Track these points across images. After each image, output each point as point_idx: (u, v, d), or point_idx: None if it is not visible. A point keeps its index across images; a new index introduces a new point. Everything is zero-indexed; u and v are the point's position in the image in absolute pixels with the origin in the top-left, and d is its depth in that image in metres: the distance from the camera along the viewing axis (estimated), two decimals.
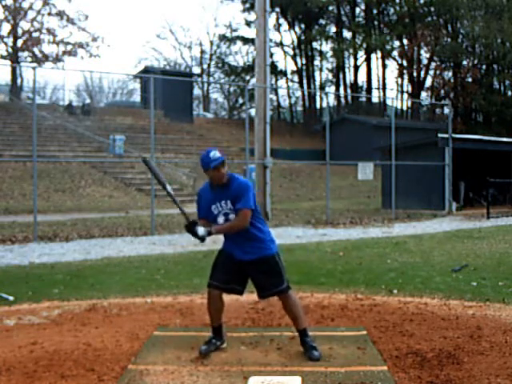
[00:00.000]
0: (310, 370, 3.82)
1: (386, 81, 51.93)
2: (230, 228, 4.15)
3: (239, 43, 51.11)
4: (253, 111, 26.43)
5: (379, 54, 46.45)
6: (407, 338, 4.57)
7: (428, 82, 45.70)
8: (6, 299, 6.10)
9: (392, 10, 45.81)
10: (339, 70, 48.20)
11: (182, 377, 3.73)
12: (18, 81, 39.80)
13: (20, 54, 35.98)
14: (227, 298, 5.83)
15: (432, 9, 42.66)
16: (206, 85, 53.96)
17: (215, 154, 4.07)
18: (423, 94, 46.25)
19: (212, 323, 4.34)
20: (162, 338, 4.59)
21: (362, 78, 55.98)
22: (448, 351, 4.18)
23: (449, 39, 42.42)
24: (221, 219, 4.18)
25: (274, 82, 47.13)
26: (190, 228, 4.05)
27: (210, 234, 4.06)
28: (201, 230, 4.04)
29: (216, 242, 11.96)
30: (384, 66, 48.31)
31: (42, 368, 3.89)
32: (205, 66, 53.62)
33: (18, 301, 6.06)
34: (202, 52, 54.05)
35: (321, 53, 48.70)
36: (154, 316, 5.34)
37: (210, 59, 53.16)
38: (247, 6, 46.61)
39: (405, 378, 3.71)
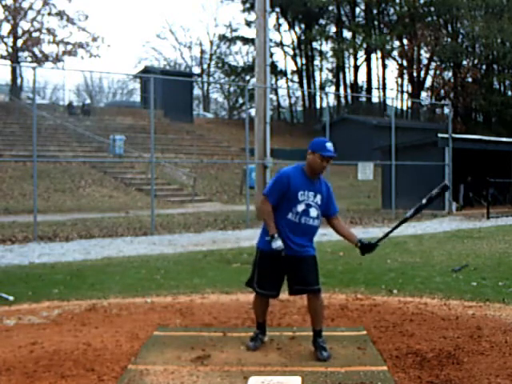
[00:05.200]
0: (310, 370, 3.82)
1: (386, 81, 52.01)
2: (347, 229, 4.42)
3: (239, 43, 51.22)
4: (253, 111, 26.40)
5: (379, 54, 46.48)
6: (407, 337, 4.57)
7: (428, 82, 45.78)
8: (6, 299, 6.10)
9: (392, 10, 45.81)
10: (339, 70, 48.21)
11: (182, 377, 3.73)
12: (18, 81, 39.85)
13: (20, 53, 36.03)
14: (227, 298, 5.83)
15: (432, 9, 42.65)
16: (206, 85, 54.01)
17: (331, 146, 4.16)
18: (423, 94, 46.28)
19: (258, 320, 4.44)
20: (162, 338, 4.59)
21: (362, 78, 56.12)
22: (448, 351, 4.18)
23: (449, 39, 42.42)
24: (300, 208, 4.16)
25: (274, 81, 47.14)
26: (273, 240, 4.11)
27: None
28: (277, 243, 4.09)
29: (216, 242, 11.92)
30: (384, 66, 48.37)
31: (41, 368, 3.89)
32: (205, 66, 53.68)
33: (17, 301, 6.05)
34: (202, 52, 54.15)
35: (321, 53, 48.74)
36: (153, 316, 5.34)
37: (210, 59, 53.20)
38: (247, 5, 46.64)
39: (405, 378, 3.71)
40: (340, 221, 4.38)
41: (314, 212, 4.18)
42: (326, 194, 4.25)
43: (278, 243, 4.06)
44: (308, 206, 4.16)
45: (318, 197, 4.20)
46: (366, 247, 4.26)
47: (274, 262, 4.15)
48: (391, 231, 4.35)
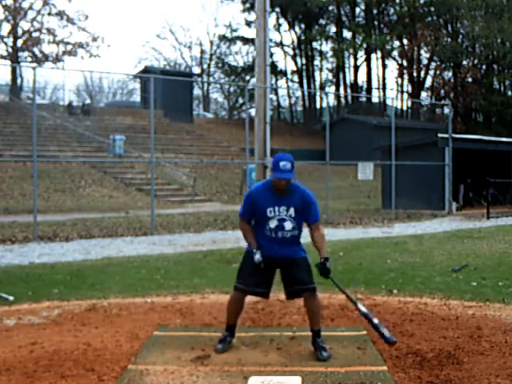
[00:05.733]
0: (310, 370, 3.83)
1: (386, 81, 51.98)
2: (324, 243, 4.32)
3: (239, 43, 51.17)
4: (253, 111, 26.39)
5: (379, 53, 46.45)
6: (407, 337, 4.57)
7: (428, 82, 45.75)
8: (6, 299, 6.10)
9: (392, 10, 45.79)
10: (339, 69, 48.19)
11: (182, 377, 3.73)
12: (18, 81, 39.83)
13: (20, 53, 36.02)
14: (227, 298, 5.81)
15: (432, 9, 42.63)
16: (206, 85, 53.98)
17: (286, 165, 4.07)
18: (423, 94, 46.26)
19: (229, 322, 4.40)
20: (162, 338, 4.59)
21: (362, 78, 56.00)
22: (448, 351, 4.18)
23: (449, 39, 42.40)
24: (273, 224, 4.19)
25: (274, 81, 47.12)
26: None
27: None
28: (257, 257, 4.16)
29: (216, 242, 11.94)
30: (384, 66, 48.35)
31: (41, 368, 3.89)
32: (205, 66, 53.65)
33: (17, 301, 6.05)
34: (202, 52, 54.11)
35: (321, 53, 48.71)
36: (153, 316, 5.34)
37: (210, 59, 53.18)
38: (247, 5, 46.61)
39: (405, 378, 3.71)
40: (319, 230, 4.29)
41: (288, 225, 4.20)
42: (301, 205, 4.19)
43: (256, 257, 4.15)
44: (281, 220, 4.19)
45: (292, 210, 4.18)
46: (323, 269, 4.23)
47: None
48: (342, 291, 4.39)
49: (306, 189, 4.27)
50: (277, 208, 4.17)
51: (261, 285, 4.27)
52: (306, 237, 4.34)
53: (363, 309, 4.23)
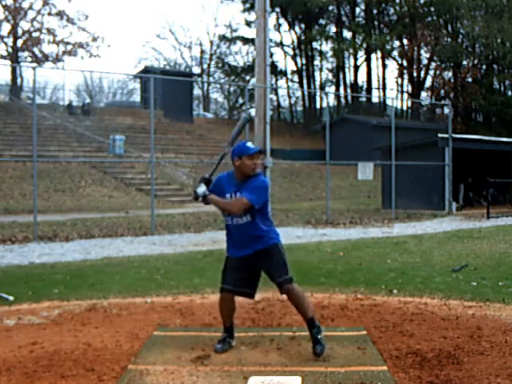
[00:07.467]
0: (309, 370, 3.82)
1: (386, 81, 51.97)
2: (224, 204, 4.13)
3: (239, 43, 51.17)
4: (253, 111, 26.40)
5: (379, 54, 46.44)
6: (407, 337, 4.56)
7: (428, 82, 45.73)
8: (6, 299, 6.10)
9: (392, 10, 45.79)
10: (339, 70, 48.17)
11: (182, 377, 3.73)
12: (18, 81, 39.81)
13: (20, 53, 36.01)
14: None
15: (432, 9, 42.63)
16: (206, 85, 53.97)
17: (251, 144, 4.21)
18: (423, 94, 46.25)
19: (225, 324, 4.39)
20: (162, 338, 4.59)
21: (362, 78, 56.04)
22: (448, 351, 4.18)
23: (449, 39, 42.39)
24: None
25: (274, 81, 47.11)
26: (199, 181, 4.15)
27: (205, 197, 4.11)
28: (201, 189, 4.12)
29: (216, 242, 11.94)
30: (384, 66, 48.34)
31: (41, 368, 3.89)
32: (205, 66, 53.64)
33: (17, 301, 6.05)
34: (202, 52, 54.11)
35: (321, 53, 48.69)
36: (153, 316, 5.34)
37: (210, 59, 53.17)
38: (247, 5, 46.61)
39: (405, 378, 3.71)
40: (236, 200, 4.13)
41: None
42: (250, 186, 4.11)
43: (201, 188, 4.12)
44: None
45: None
46: (201, 179, 4.18)
47: (237, 261, 4.25)
48: None
49: (261, 175, 4.21)
50: (233, 194, 4.16)
51: (243, 285, 4.25)
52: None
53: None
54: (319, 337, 4.13)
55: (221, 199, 4.15)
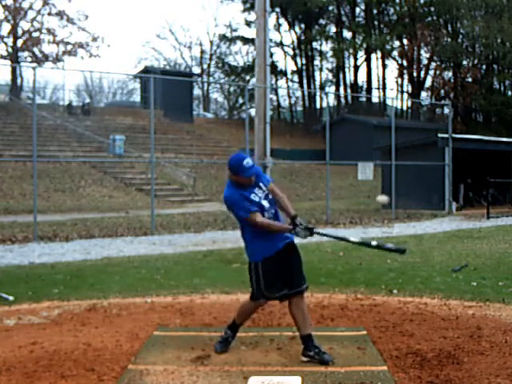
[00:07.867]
0: (309, 370, 3.82)
1: (386, 81, 51.88)
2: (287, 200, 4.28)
3: (239, 43, 51.12)
4: (253, 111, 26.40)
5: (379, 54, 46.42)
6: (407, 337, 4.56)
7: (428, 82, 45.70)
8: (6, 299, 6.10)
9: (392, 10, 45.77)
10: (339, 70, 48.16)
11: (182, 377, 3.73)
12: (18, 81, 39.82)
13: (20, 53, 36.03)
14: (227, 298, 5.81)
15: (432, 9, 42.61)
16: (206, 85, 53.96)
17: (248, 161, 4.05)
18: (423, 94, 46.23)
19: (238, 321, 4.33)
20: (162, 338, 4.59)
21: (362, 78, 55.83)
22: (448, 351, 4.18)
23: (449, 39, 42.38)
24: (266, 202, 4.18)
25: (274, 81, 47.10)
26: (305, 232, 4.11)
27: (311, 230, 4.10)
28: (305, 233, 4.11)
29: (216, 242, 11.90)
30: (384, 66, 48.31)
31: (41, 368, 3.89)
32: (205, 66, 53.63)
33: (17, 301, 6.05)
34: (202, 52, 54.10)
35: (321, 53, 48.68)
36: (153, 316, 5.34)
37: (210, 59, 53.16)
38: (247, 5, 46.58)
39: (405, 378, 3.71)
40: (278, 189, 4.38)
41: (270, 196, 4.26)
42: (258, 174, 4.24)
43: (302, 234, 4.09)
44: (266, 196, 4.26)
45: (261, 184, 4.25)
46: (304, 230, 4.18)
47: (274, 264, 4.11)
48: (333, 237, 4.32)
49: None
50: (254, 191, 4.17)
51: (283, 287, 4.14)
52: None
53: (355, 239, 4.20)
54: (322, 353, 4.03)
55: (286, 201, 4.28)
